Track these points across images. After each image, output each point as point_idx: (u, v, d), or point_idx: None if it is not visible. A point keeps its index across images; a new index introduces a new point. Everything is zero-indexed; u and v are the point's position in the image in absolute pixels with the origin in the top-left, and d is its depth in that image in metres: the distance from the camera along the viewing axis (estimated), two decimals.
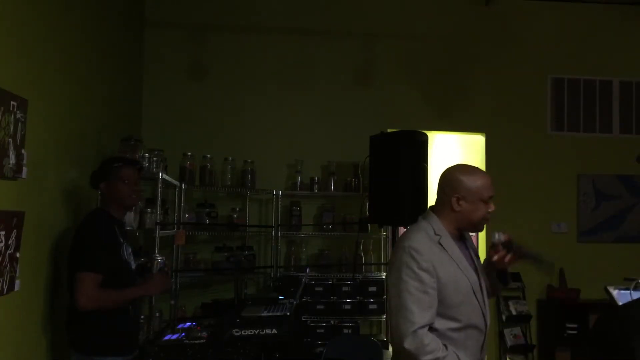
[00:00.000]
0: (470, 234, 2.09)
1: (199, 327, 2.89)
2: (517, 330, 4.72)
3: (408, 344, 1.76)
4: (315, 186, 4.52)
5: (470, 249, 2.02)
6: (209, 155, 4.29)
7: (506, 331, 4.70)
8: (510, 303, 4.73)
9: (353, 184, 4.50)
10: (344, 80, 4.78)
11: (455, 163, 2.07)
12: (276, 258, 4.45)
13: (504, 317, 4.71)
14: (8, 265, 2.09)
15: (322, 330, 4.09)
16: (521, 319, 4.73)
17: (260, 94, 4.69)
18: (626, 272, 4.79)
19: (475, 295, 1.90)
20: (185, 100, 4.61)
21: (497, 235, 1.98)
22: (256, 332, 2.69)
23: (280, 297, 3.50)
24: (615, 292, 2.70)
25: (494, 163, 4.91)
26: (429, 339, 1.78)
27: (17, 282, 2.17)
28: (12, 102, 2.08)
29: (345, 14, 4.86)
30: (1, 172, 2.02)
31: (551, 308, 4.72)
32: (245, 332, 2.68)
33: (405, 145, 3.66)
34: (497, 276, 2.06)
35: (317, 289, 4.21)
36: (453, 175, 1.95)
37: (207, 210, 4.25)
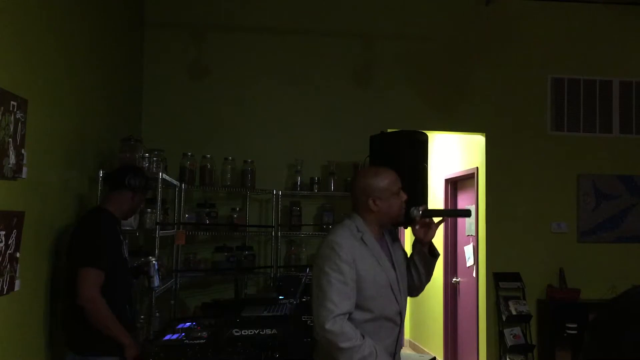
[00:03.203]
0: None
1: (199, 327, 2.89)
2: (517, 330, 4.72)
3: (329, 326, 1.85)
4: (315, 186, 4.52)
5: (391, 248, 2.13)
6: (209, 155, 4.29)
7: (506, 331, 4.70)
8: (510, 303, 4.73)
9: None
10: (344, 80, 4.78)
11: (362, 170, 2.24)
12: (276, 258, 4.45)
13: (504, 317, 4.71)
14: (8, 265, 2.09)
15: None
16: (521, 319, 4.72)
17: (261, 94, 4.69)
18: (626, 272, 4.81)
19: (393, 290, 2.03)
20: (185, 100, 4.61)
21: (414, 211, 2.12)
22: (256, 332, 2.69)
23: (280, 297, 3.50)
24: None
25: (494, 163, 4.91)
26: (348, 327, 1.88)
27: (17, 282, 2.17)
28: (12, 102, 2.09)
29: (345, 14, 4.86)
30: (1, 172, 2.02)
31: (551, 308, 4.72)
32: (245, 332, 2.68)
33: (405, 145, 3.65)
34: (427, 251, 2.18)
35: None
36: (362, 182, 2.09)
37: (207, 210, 4.25)
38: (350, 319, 1.92)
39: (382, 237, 2.12)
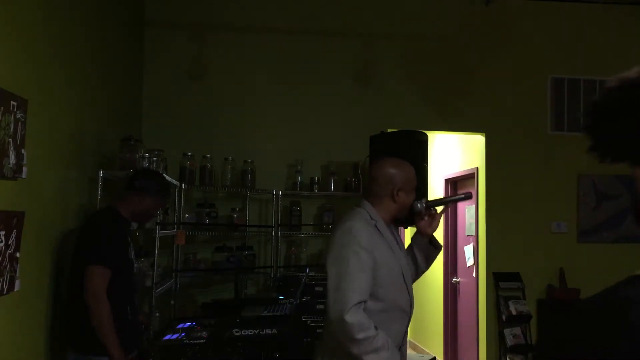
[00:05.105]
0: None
1: (199, 327, 2.89)
2: (517, 330, 4.72)
3: (350, 317, 1.78)
4: (315, 186, 4.52)
5: (396, 237, 2.13)
6: (209, 155, 4.29)
7: (506, 331, 4.70)
8: (510, 303, 4.73)
9: (353, 184, 4.50)
10: (343, 80, 4.78)
11: (387, 158, 2.17)
12: (276, 258, 4.45)
13: (504, 317, 4.70)
14: (8, 265, 2.09)
15: (322, 330, 4.08)
16: (521, 319, 4.72)
17: (260, 94, 4.69)
18: (626, 273, 4.80)
19: (404, 279, 2.03)
20: (185, 100, 4.61)
21: (419, 205, 2.14)
22: (256, 332, 2.69)
23: (280, 297, 3.50)
24: None
25: (494, 163, 4.91)
26: (364, 317, 1.83)
27: (17, 282, 2.17)
28: (12, 102, 2.09)
29: (345, 14, 4.86)
30: (1, 172, 2.02)
31: (551, 308, 4.72)
32: (245, 332, 2.68)
33: (405, 145, 3.65)
34: (429, 242, 2.22)
35: (317, 289, 4.19)
36: (390, 170, 2.07)
37: (207, 210, 4.25)
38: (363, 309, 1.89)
39: (390, 227, 2.13)
